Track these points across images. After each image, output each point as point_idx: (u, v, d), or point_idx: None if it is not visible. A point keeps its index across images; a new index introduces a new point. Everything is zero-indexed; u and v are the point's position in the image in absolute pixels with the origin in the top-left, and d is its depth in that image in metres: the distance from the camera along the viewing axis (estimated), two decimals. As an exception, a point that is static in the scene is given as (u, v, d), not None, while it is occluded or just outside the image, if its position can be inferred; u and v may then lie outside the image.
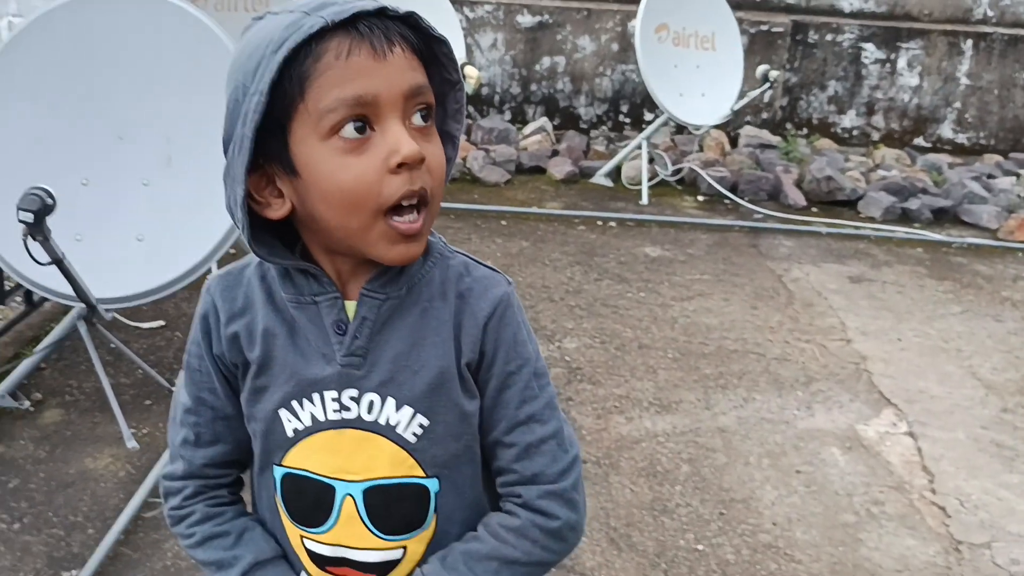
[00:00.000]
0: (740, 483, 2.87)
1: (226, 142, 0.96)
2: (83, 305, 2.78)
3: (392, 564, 1.09)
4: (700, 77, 5.66)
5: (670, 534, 2.62)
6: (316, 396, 1.04)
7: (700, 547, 2.58)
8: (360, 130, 0.92)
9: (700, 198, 5.63)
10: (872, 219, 5.42)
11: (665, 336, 3.79)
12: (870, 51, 6.72)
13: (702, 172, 5.68)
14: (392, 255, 0.97)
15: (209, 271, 3.74)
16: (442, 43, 0.98)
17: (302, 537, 1.11)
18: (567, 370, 3.43)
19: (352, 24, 0.91)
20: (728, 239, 5.01)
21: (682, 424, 3.17)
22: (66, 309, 3.36)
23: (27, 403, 3.07)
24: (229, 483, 1.16)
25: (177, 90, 2.88)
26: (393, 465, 1.05)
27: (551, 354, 3.48)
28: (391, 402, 1.04)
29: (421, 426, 1.04)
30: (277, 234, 1.02)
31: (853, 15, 6.84)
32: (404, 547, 1.09)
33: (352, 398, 1.04)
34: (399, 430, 1.05)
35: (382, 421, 1.04)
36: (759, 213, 5.38)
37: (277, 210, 0.98)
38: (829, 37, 6.71)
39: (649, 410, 3.24)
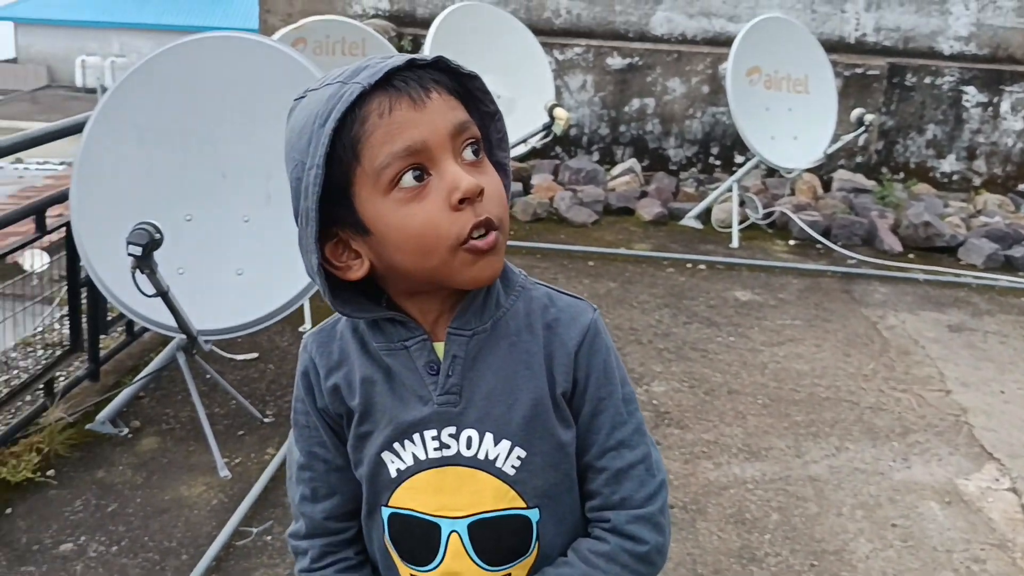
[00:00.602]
0: (832, 534, 2.78)
1: (296, 217, 1.02)
2: (183, 336, 2.87)
3: None
4: (792, 120, 5.60)
5: (759, 584, 2.55)
6: (416, 436, 1.07)
7: (790, 599, 2.51)
8: (418, 178, 0.96)
9: (791, 242, 5.55)
10: (973, 266, 5.25)
11: (755, 381, 3.72)
12: (971, 94, 6.55)
13: (794, 216, 5.59)
14: (474, 273, 0.99)
15: (301, 306, 3.82)
16: (474, 79, 1.02)
17: (412, 575, 1.13)
18: (655, 414, 3.39)
19: (388, 82, 0.96)
20: (820, 284, 4.91)
21: (772, 471, 3.09)
22: (165, 340, 3.47)
23: (126, 430, 3.17)
24: (352, 538, 1.18)
25: (277, 130, 2.96)
26: (495, 499, 1.08)
27: (639, 397, 3.43)
28: (489, 436, 1.06)
29: (519, 458, 1.07)
30: (361, 288, 1.06)
31: (953, 57, 6.70)
32: (508, 574, 1.11)
33: (451, 435, 1.07)
34: (498, 464, 1.07)
35: (481, 456, 1.07)
36: (853, 258, 5.27)
37: (357, 271, 1.03)
38: (928, 80, 6.58)
39: (738, 456, 3.17)
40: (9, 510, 2.74)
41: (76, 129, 3.15)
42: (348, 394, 1.10)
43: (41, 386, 3.20)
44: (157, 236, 2.35)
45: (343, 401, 1.10)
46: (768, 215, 5.73)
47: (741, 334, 4.19)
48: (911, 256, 5.38)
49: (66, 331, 3.63)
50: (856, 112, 5.66)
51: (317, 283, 1.02)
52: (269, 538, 2.67)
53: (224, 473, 2.93)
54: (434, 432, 1.07)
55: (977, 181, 6.65)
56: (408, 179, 0.95)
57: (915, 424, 3.45)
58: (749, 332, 4.22)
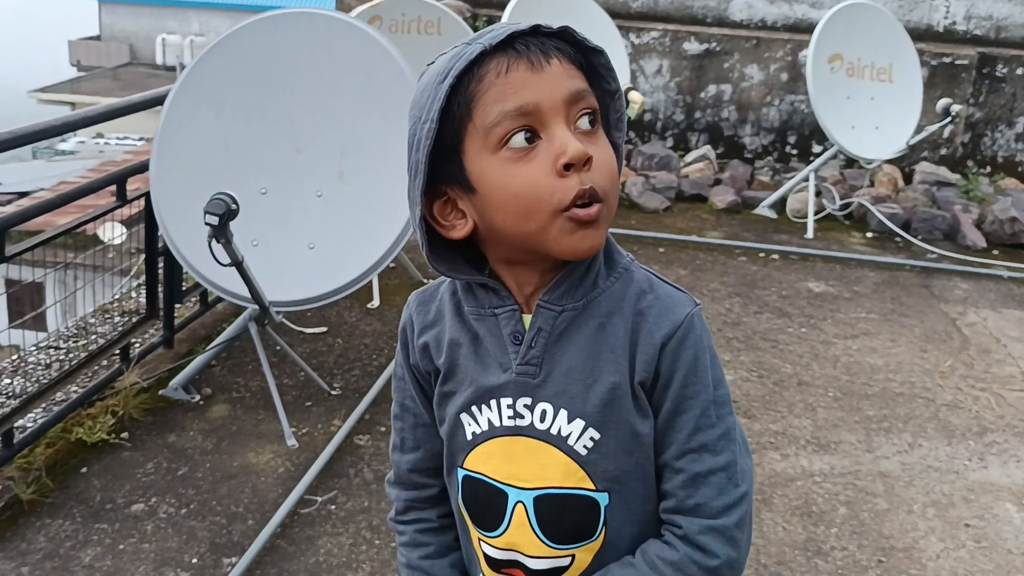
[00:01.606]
0: (902, 531, 2.71)
1: (408, 171, 1.03)
2: (256, 307, 2.91)
3: (560, 571, 1.10)
4: (874, 109, 5.45)
5: (824, 578, 2.50)
6: (493, 402, 1.07)
7: (856, 595, 2.45)
8: (529, 139, 0.95)
9: (869, 234, 5.41)
10: (1060, 264, 5.06)
11: (826, 374, 3.64)
12: (1064, 86, 6.29)
13: (872, 208, 5.45)
14: (573, 243, 0.98)
15: (370, 284, 3.84)
16: (599, 54, 1.01)
17: (479, 539, 1.14)
18: (721, 401, 3.33)
19: (509, 45, 0.96)
20: (898, 278, 4.78)
21: (841, 465, 3.03)
22: (237, 310, 3.54)
23: (198, 397, 3.24)
24: (436, 497, 1.20)
25: (352, 106, 3.00)
26: (564, 476, 1.06)
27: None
28: (563, 413, 1.05)
29: (592, 439, 1.05)
30: (463, 251, 1.07)
31: (1047, 48, 6.44)
32: (572, 555, 1.09)
33: (526, 406, 1.06)
34: (570, 441, 1.05)
35: (554, 431, 1.05)
36: (933, 253, 5.12)
37: (461, 230, 1.03)
38: (1020, 71, 6.34)
39: (806, 448, 3.11)
40: (84, 469, 2.83)
41: (157, 102, 3.21)
42: (436, 353, 1.11)
43: (118, 351, 3.28)
44: (234, 207, 2.39)
45: (431, 359, 1.12)
46: (845, 206, 5.59)
47: (813, 326, 4.10)
48: (995, 252, 5.21)
49: (142, 299, 3.72)
50: (942, 102, 5.48)
51: (418, 235, 1.03)
52: (333, 507, 2.70)
53: (291, 442, 2.98)
54: (510, 400, 1.06)
55: (1067, 177, 6.40)
56: (518, 139, 0.95)
57: (993, 424, 3.34)
58: (822, 324, 4.13)
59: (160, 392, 3.22)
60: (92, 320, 3.73)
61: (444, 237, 1.04)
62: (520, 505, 1.08)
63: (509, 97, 0.95)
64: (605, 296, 1.05)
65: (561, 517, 1.07)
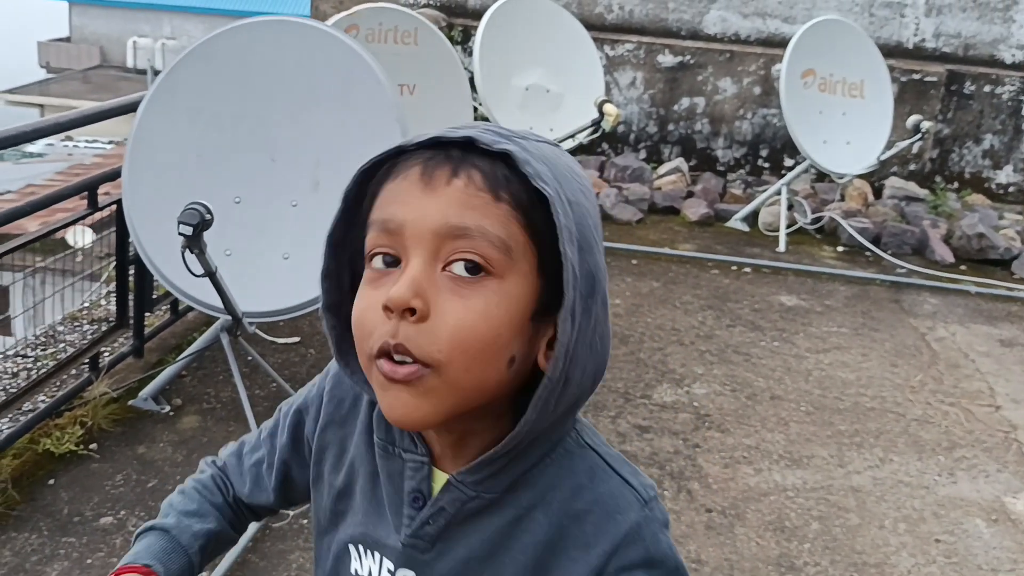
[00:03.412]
0: (874, 547, 2.73)
1: None
2: (228, 317, 2.88)
3: None
4: (846, 125, 5.51)
5: (797, 594, 2.51)
6: (377, 555, 0.91)
7: (829, 611, 2.46)
8: (388, 263, 0.79)
9: (840, 248, 5.46)
10: (1026, 280, 5.13)
11: (799, 388, 3.66)
12: (1031, 104, 6.40)
13: (843, 222, 5.50)
14: (382, 404, 0.80)
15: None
16: (553, 203, 0.77)
17: None
18: (695, 416, 3.35)
19: (439, 150, 0.79)
20: (868, 292, 4.83)
21: (813, 480, 3.04)
22: (208, 320, 3.50)
23: (168, 407, 3.20)
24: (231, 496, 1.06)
25: (328, 115, 2.98)
26: None
27: (679, 399, 3.41)
28: None
29: None
30: None
31: (1015, 66, 6.55)
32: None
33: None
34: None
35: None
36: (903, 268, 5.17)
37: None
38: (987, 88, 6.44)
39: (779, 463, 3.12)
40: (52, 481, 2.78)
41: (130, 108, 3.17)
42: (333, 465, 0.95)
43: (87, 360, 3.23)
44: (208, 216, 2.36)
45: (325, 465, 0.96)
46: (817, 220, 5.64)
47: (785, 339, 4.13)
48: (963, 268, 5.27)
49: (111, 307, 3.67)
50: (913, 119, 5.56)
51: (324, 324, 0.88)
52: (305, 521, 2.67)
53: (262, 455, 2.94)
54: (391, 566, 0.89)
55: (1033, 194, 6.50)
56: (378, 260, 0.79)
57: (962, 439, 3.38)
58: (794, 338, 4.15)
59: (130, 402, 3.17)
60: (61, 328, 3.68)
61: None
62: None
63: (386, 207, 0.79)
64: (531, 481, 0.85)
65: None
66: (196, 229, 2.32)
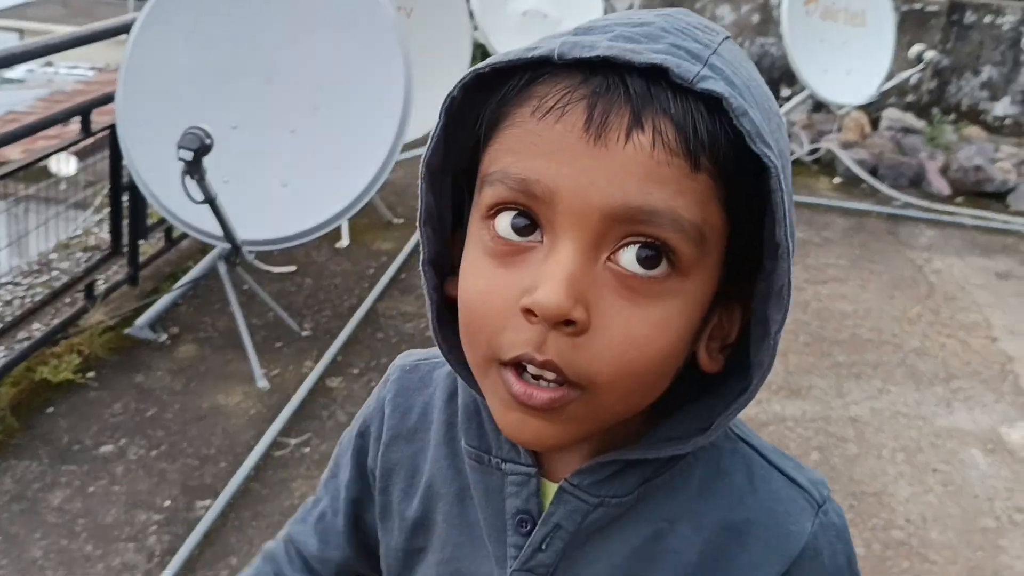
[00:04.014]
0: (872, 476, 2.75)
1: None
2: (226, 245, 2.84)
3: None
4: (847, 54, 5.41)
5: (797, 522, 2.53)
6: None
7: (828, 538, 2.49)
8: (521, 230, 0.57)
9: (836, 180, 5.43)
10: (1022, 213, 5.12)
11: (797, 319, 3.66)
12: (1032, 35, 6.32)
13: (841, 153, 5.46)
14: (502, 422, 0.61)
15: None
16: (747, 121, 0.55)
17: None
18: (694, 346, 3.34)
19: (595, 71, 0.55)
20: (865, 224, 4.81)
21: (812, 411, 3.06)
22: (203, 248, 3.45)
23: (165, 336, 3.17)
24: None
25: (326, 39, 2.90)
26: None
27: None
28: None
29: None
30: None
31: (1016, -4, 6.45)
32: None
33: None
34: None
35: None
36: (899, 200, 5.15)
37: (455, 286, 0.64)
38: (988, 19, 6.34)
39: (779, 394, 3.14)
40: (50, 409, 2.76)
41: (120, 31, 3.08)
42: (405, 491, 0.75)
43: (82, 289, 3.19)
44: (208, 141, 2.30)
45: (394, 493, 0.75)
46: (814, 151, 5.59)
47: (783, 271, 4.12)
48: (959, 200, 5.26)
49: (103, 235, 3.62)
50: (916, 48, 5.47)
51: (424, 288, 0.66)
52: (307, 450, 2.68)
53: (262, 384, 2.93)
54: None
55: (1030, 126, 6.46)
56: (504, 222, 0.58)
57: (959, 370, 3.39)
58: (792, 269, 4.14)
59: (126, 331, 3.14)
60: (53, 256, 3.62)
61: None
62: None
63: (526, 156, 0.56)
64: (672, 486, 0.67)
65: None
66: (197, 154, 2.26)
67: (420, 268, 0.65)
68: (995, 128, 6.44)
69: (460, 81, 0.59)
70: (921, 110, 6.44)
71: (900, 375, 3.32)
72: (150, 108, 2.85)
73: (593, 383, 0.57)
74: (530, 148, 0.56)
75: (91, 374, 2.93)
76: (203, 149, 2.29)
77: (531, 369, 0.57)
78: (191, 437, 2.70)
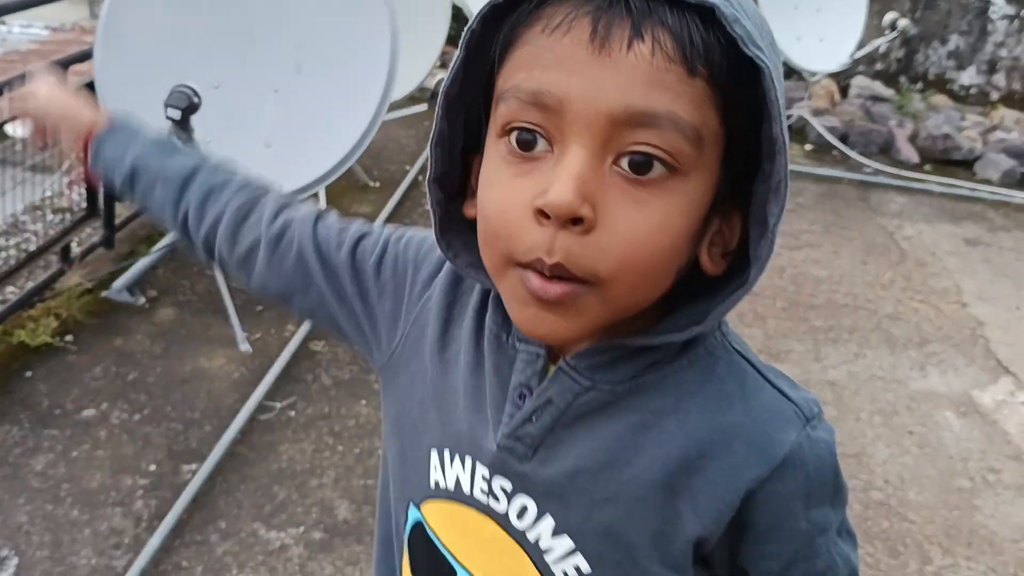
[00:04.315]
0: (851, 438, 2.81)
1: None
2: (207, 207, 2.79)
3: None
4: (821, 21, 5.44)
5: (780, 483, 2.58)
6: (468, 460, 0.77)
7: (810, 499, 2.54)
8: (527, 144, 0.63)
9: (808, 147, 5.47)
10: (989, 181, 5.20)
11: (773, 284, 3.70)
12: (999, 6, 6.38)
13: (812, 120, 5.50)
14: (519, 319, 0.67)
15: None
16: (760, 69, 0.61)
17: None
18: (674, 310, 3.37)
19: None
20: (837, 191, 4.86)
21: (791, 374, 3.01)
22: (181, 211, 3.39)
23: (143, 299, 3.13)
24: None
25: (308, -4, 2.85)
26: None
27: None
28: (548, 522, 0.74)
29: (578, 569, 0.74)
30: None
31: (984, -35, 6.50)
32: None
33: (504, 490, 0.75)
34: (549, 559, 0.74)
35: (531, 537, 0.75)
36: (869, 167, 5.21)
37: (473, 207, 0.71)
38: (957, -12, 6.40)
39: (759, 357, 3.17)
40: (29, 373, 2.72)
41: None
42: (435, 350, 0.80)
43: (57, 251, 3.13)
44: (196, 100, 2.26)
45: (422, 346, 0.81)
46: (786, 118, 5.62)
47: (759, 237, 4.16)
48: (927, 167, 5.32)
49: (74, 197, 3.54)
50: (890, 16, 5.52)
51: (429, 200, 0.74)
52: (293, 413, 2.66)
53: (244, 347, 2.91)
54: (486, 472, 0.76)
55: (995, 96, 6.54)
56: (516, 139, 0.64)
57: (932, 335, 3.46)
58: (767, 235, 4.18)
59: (103, 294, 3.09)
60: (24, 218, 3.55)
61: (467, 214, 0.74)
62: None
63: (537, 71, 0.62)
64: (662, 384, 0.71)
65: None
66: (184, 113, 2.22)
67: (426, 185, 0.73)
68: (961, 97, 6.52)
69: (478, 14, 0.65)
70: (889, 78, 6.49)
71: (875, 339, 3.38)
72: (129, 66, 2.78)
73: (599, 278, 0.62)
74: (540, 62, 0.61)
75: (69, 337, 2.88)
76: (191, 108, 2.25)
77: (543, 271, 0.63)
78: (174, 401, 2.68)
